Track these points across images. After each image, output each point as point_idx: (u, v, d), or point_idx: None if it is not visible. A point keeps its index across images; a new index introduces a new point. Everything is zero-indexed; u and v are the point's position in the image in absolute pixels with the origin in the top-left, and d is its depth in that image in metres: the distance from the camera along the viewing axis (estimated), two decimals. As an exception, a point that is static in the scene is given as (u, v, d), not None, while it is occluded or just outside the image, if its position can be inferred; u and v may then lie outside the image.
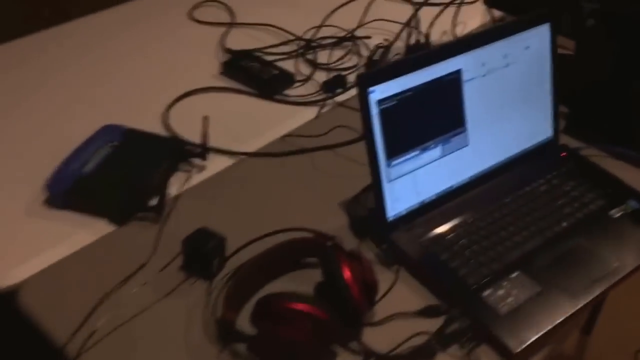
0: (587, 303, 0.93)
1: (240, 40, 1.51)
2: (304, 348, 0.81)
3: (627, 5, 1.10)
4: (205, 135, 1.13)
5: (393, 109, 0.97)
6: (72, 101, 1.32)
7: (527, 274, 0.96)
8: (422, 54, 1.01)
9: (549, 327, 0.89)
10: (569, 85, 1.19)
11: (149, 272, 0.96)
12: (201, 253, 0.93)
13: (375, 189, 0.99)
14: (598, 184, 1.11)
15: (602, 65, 1.19)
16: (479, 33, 1.05)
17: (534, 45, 1.10)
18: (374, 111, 0.95)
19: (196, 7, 1.66)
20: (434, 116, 1.01)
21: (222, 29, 1.56)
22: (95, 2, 1.65)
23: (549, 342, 0.90)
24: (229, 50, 1.46)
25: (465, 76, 1.03)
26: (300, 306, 0.80)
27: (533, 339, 0.87)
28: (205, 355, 0.86)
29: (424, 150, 1.02)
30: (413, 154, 1.01)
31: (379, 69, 0.96)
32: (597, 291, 0.94)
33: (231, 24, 1.58)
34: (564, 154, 1.18)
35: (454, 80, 1.02)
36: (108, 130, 1.15)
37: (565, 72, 1.15)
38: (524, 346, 0.86)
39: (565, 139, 1.22)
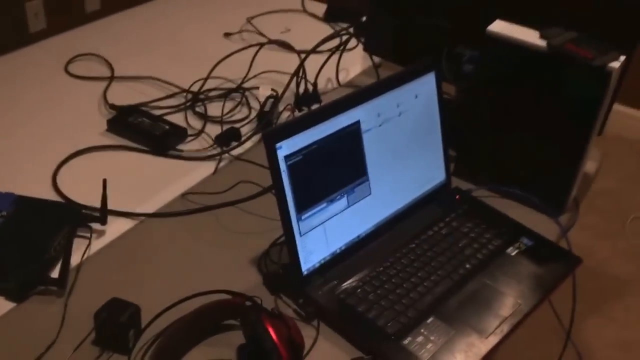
0: (499, 342, 0.97)
1: (122, 95, 1.47)
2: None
3: (500, 52, 1.18)
4: (104, 198, 1.08)
5: (300, 163, 0.98)
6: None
7: (440, 318, 0.99)
8: (323, 107, 1.03)
9: (468, 370, 0.92)
10: (454, 128, 1.25)
11: (58, 351, 0.91)
12: (116, 326, 0.89)
13: (288, 244, 1.00)
14: (492, 224, 1.17)
15: (481, 108, 1.26)
16: (372, 85, 1.09)
17: (423, 93, 1.15)
18: (283, 167, 0.96)
19: (71, 61, 1.60)
20: (338, 168, 1.04)
21: (103, 83, 1.52)
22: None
23: (469, 384, 0.93)
24: (113, 106, 1.43)
25: (363, 127, 1.06)
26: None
27: (456, 382, 0.90)
28: None
29: (331, 202, 1.04)
30: (321, 206, 1.02)
31: (284, 124, 0.97)
32: (506, 329, 0.99)
33: (111, 78, 1.54)
34: (458, 197, 1.24)
35: (354, 131, 1.05)
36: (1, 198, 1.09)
37: (449, 116, 1.21)
38: (448, 391, 0.89)
39: (455, 181, 1.27)
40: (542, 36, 1.14)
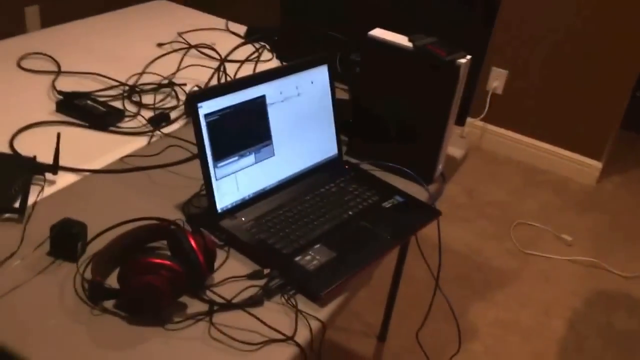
0: (369, 263, 1.25)
1: (69, 86, 1.72)
2: (162, 295, 1.04)
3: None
4: (57, 150, 1.33)
5: (217, 121, 1.25)
6: None
7: (326, 245, 1.27)
8: (236, 80, 1.31)
9: (344, 278, 1.20)
10: (346, 118, 1.56)
11: (18, 258, 1.14)
12: (67, 237, 1.13)
13: (206, 186, 1.26)
14: (373, 186, 1.47)
15: (366, 100, 1.56)
16: (276, 68, 1.38)
17: (317, 80, 1.45)
18: (203, 122, 1.23)
19: (23, 57, 1.84)
20: (247, 130, 1.31)
21: (51, 76, 1.76)
22: None
23: (344, 290, 1.21)
24: (60, 92, 1.67)
25: (268, 100, 1.35)
26: (159, 260, 1.04)
27: (334, 285, 1.17)
28: (80, 315, 1.06)
29: (241, 156, 1.31)
30: (233, 159, 1.30)
31: (205, 89, 1.24)
32: (376, 255, 1.27)
33: (59, 72, 1.78)
34: (347, 167, 1.53)
35: (260, 103, 1.33)
36: (-35, 151, 1.32)
37: (343, 109, 1.51)
38: (327, 290, 1.16)
39: (348, 159, 1.57)
40: (409, 40, 1.46)
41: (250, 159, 1.33)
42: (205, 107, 1.24)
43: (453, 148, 1.71)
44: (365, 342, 2.32)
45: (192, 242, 1.11)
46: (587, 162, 3.46)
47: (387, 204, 1.42)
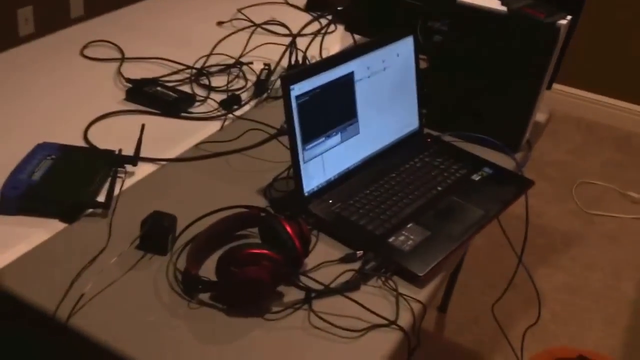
0: (466, 240, 1.20)
1: (134, 73, 1.69)
2: (263, 286, 1.00)
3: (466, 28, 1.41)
4: (139, 141, 1.30)
5: (307, 103, 1.20)
6: (2, 127, 1.44)
7: (419, 224, 1.22)
8: (326, 59, 1.26)
9: (442, 257, 1.15)
10: (425, 91, 1.49)
11: (108, 254, 1.12)
12: (159, 231, 1.10)
13: (294, 169, 1.22)
14: (459, 159, 1.41)
15: (449, 70, 1.49)
16: (364, 43, 1.32)
17: (403, 53, 1.39)
18: (294, 104, 1.18)
19: (86, 47, 1.81)
20: (335, 109, 1.26)
21: (115, 64, 1.73)
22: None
23: (442, 269, 1.16)
24: (129, 80, 1.64)
25: (356, 77, 1.29)
26: (260, 250, 1.00)
27: (433, 264, 1.12)
28: (177, 309, 1.03)
29: (328, 137, 1.26)
30: (321, 140, 1.25)
31: (296, 71, 1.19)
32: (472, 231, 1.22)
33: (123, 59, 1.75)
34: (429, 140, 1.47)
35: (348, 80, 1.28)
36: (44, 147, 1.30)
37: (422, 81, 1.44)
38: (427, 270, 1.11)
39: (428, 132, 1.51)
40: (502, 3, 1.38)
41: (336, 138, 1.28)
42: (297, 89, 1.19)
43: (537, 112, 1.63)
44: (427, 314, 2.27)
45: (289, 229, 1.07)
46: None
47: (476, 177, 1.36)
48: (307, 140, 1.22)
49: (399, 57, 1.37)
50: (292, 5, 2.13)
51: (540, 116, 1.62)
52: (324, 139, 1.25)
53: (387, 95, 1.37)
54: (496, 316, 2.19)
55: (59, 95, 1.58)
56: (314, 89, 1.21)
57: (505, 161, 1.44)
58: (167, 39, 1.88)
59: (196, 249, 1.08)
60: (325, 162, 1.27)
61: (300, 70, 1.20)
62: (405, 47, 1.39)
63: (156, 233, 1.11)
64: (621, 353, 2.16)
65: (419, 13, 1.55)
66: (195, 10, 2.07)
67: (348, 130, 1.30)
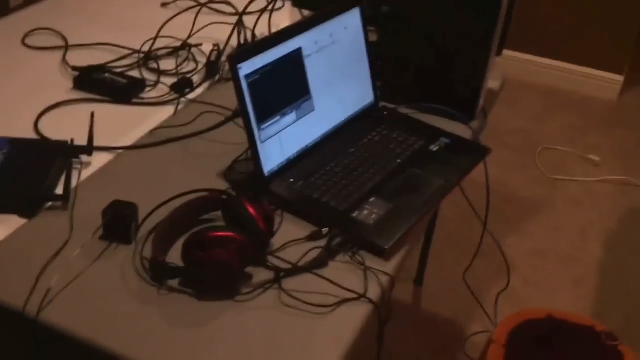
0: (428, 210, 1.21)
1: (81, 60, 1.65)
2: (231, 269, 1.00)
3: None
4: (91, 130, 1.27)
5: (257, 81, 1.20)
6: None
7: (381, 198, 1.23)
8: (272, 35, 1.25)
9: (406, 228, 1.16)
10: (379, 62, 1.49)
11: (72, 248, 1.10)
12: (120, 220, 1.09)
13: (252, 150, 1.21)
14: (416, 131, 1.42)
15: (399, 41, 1.50)
16: (310, 17, 1.31)
17: (351, 25, 1.39)
18: (244, 84, 1.17)
19: (27, 35, 1.76)
20: (287, 86, 1.26)
21: (60, 52, 1.69)
22: None
23: (407, 241, 1.17)
24: (75, 68, 1.60)
25: (305, 52, 1.29)
26: (225, 233, 1.00)
27: (398, 237, 1.14)
28: (147, 297, 1.02)
29: (283, 115, 1.26)
30: (276, 119, 1.24)
31: (244, 49, 1.18)
32: (434, 202, 1.23)
33: (67, 46, 1.71)
34: (386, 113, 1.48)
35: (297, 57, 1.27)
36: (-5, 141, 1.27)
37: (374, 54, 1.45)
38: (392, 242, 1.12)
39: (385, 104, 1.52)
40: (443, -29, 1.39)
41: (292, 116, 1.28)
42: (245, 68, 1.18)
43: (490, 80, 1.65)
44: (402, 287, 2.30)
45: (251, 210, 1.07)
46: (608, 77, 3.39)
47: (434, 147, 1.38)
48: (261, 119, 1.21)
49: (347, 30, 1.37)
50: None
51: (493, 83, 1.64)
52: (279, 117, 1.25)
53: (339, 69, 1.37)
54: (470, 284, 2.23)
55: (4, 88, 1.54)
56: (263, 67, 1.20)
57: (462, 130, 1.46)
58: (111, 23, 1.84)
59: (161, 235, 1.08)
60: (283, 141, 1.26)
61: (247, 49, 1.19)
62: (352, 20, 1.38)
63: (118, 222, 1.10)
64: (591, 312, 2.22)
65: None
66: (138, -7, 2.03)
67: (303, 107, 1.30)
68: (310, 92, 1.31)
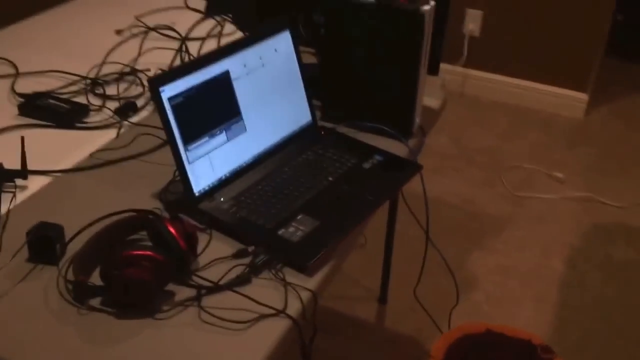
0: (354, 226, 1.24)
1: (29, 87, 1.67)
2: (148, 286, 1.02)
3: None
4: (23, 154, 1.29)
5: (182, 104, 1.22)
6: None
7: (309, 215, 1.25)
8: (196, 59, 1.28)
9: (329, 245, 1.18)
10: (318, 83, 1.53)
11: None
12: (44, 240, 1.11)
13: (179, 171, 1.23)
14: (351, 149, 1.44)
15: (335, 62, 1.53)
16: (236, 41, 1.34)
17: (281, 48, 1.42)
18: (167, 106, 1.20)
19: (-23, 65, 1.79)
20: (215, 108, 1.28)
21: (10, 80, 1.72)
22: None
23: (332, 257, 1.19)
24: (21, 95, 1.63)
25: (233, 75, 1.31)
26: (140, 251, 1.02)
27: (319, 253, 1.15)
28: (67, 317, 1.04)
29: (212, 136, 1.28)
30: (204, 139, 1.27)
31: (166, 72, 1.21)
32: (360, 218, 1.25)
33: (17, 74, 1.74)
34: (323, 132, 1.50)
35: (225, 79, 1.30)
36: None
37: (314, 75, 1.47)
38: (314, 259, 1.14)
39: (323, 124, 1.54)
40: (371, -6, 1.42)
41: (221, 137, 1.30)
42: (168, 90, 1.20)
43: (429, 98, 1.68)
44: (366, 306, 2.31)
45: (171, 229, 1.09)
46: (573, 95, 3.43)
47: (367, 165, 1.40)
48: (188, 140, 1.23)
49: (278, 52, 1.40)
50: (192, 9, 2.14)
51: (432, 102, 1.67)
52: (207, 138, 1.27)
53: (271, 91, 1.39)
54: (430, 301, 2.24)
55: (-51, 115, 1.56)
56: (188, 90, 1.23)
57: (400, 149, 1.48)
58: (64, 50, 1.87)
59: (82, 255, 1.09)
60: (214, 161, 1.29)
61: (169, 71, 1.21)
62: (282, 42, 1.41)
63: (43, 243, 1.11)
64: (551, 327, 2.23)
65: (301, 7, 1.59)
66: (95, 20, 2.07)
67: (233, 128, 1.32)
68: (240, 113, 1.34)
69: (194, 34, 1.91)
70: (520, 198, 2.84)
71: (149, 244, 1.12)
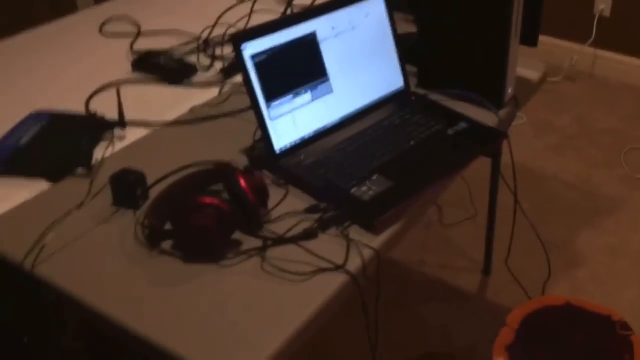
0: (426, 188, 1.22)
1: (148, 45, 1.77)
2: (210, 233, 1.07)
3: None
4: (120, 105, 1.38)
5: (264, 62, 1.25)
6: (11, 99, 1.55)
7: (384, 175, 1.25)
8: (281, 18, 1.30)
9: (399, 204, 1.18)
10: (415, 50, 1.51)
11: (85, 209, 1.21)
12: (126, 185, 1.18)
13: (261, 127, 1.27)
14: (438, 115, 1.42)
15: (434, 30, 1.50)
16: (326, 3, 1.35)
17: (373, 13, 1.41)
18: (249, 63, 1.23)
19: (105, 23, 1.92)
20: (300, 68, 1.31)
21: (131, 39, 1.83)
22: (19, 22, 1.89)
23: (400, 217, 1.19)
24: (136, 52, 1.73)
25: (319, 36, 1.33)
26: (207, 199, 1.07)
27: (387, 212, 1.16)
28: (138, 258, 1.11)
29: (296, 94, 1.31)
30: (287, 97, 1.30)
31: (248, 29, 1.24)
32: (433, 180, 1.24)
33: (138, 34, 1.85)
34: (414, 98, 1.49)
35: (311, 40, 1.32)
36: (37, 115, 1.41)
37: (411, 41, 1.46)
38: (381, 217, 1.15)
39: (417, 91, 1.53)
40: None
41: (306, 96, 1.32)
42: (250, 48, 1.24)
43: (527, 70, 1.62)
44: (470, 277, 2.28)
45: (241, 181, 1.13)
46: None
47: (451, 131, 1.38)
48: (271, 97, 1.27)
49: (369, 17, 1.40)
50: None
51: (531, 74, 1.61)
52: (291, 96, 1.30)
53: (360, 55, 1.40)
54: (527, 275, 2.19)
55: (75, 71, 1.69)
56: (272, 48, 1.26)
57: (494, 118, 1.44)
58: (185, 12, 1.97)
59: (159, 201, 1.16)
60: (297, 120, 1.31)
61: (252, 29, 1.24)
62: (374, 7, 1.41)
63: (123, 188, 1.19)
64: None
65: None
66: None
67: (319, 88, 1.34)
68: (327, 74, 1.35)
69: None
70: (639, 180, 2.68)
71: (224, 195, 1.17)
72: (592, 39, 3.36)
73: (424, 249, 2.39)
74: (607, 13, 3.30)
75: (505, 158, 2.09)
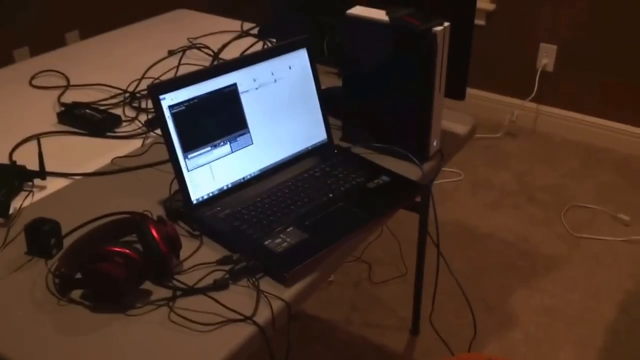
0: (340, 241, 1.24)
1: (75, 98, 1.78)
2: (116, 281, 1.06)
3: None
4: (40, 156, 1.38)
5: (183, 113, 1.27)
6: None
7: (299, 228, 1.26)
8: (201, 70, 1.32)
9: (311, 257, 1.19)
10: (339, 105, 1.55)
11: (0, 257, 1.19)
12: (39, 234, 1.17)
13: (178, 178, 1.28)
14: (360, 168, 1.45)
15: (356, 84, 1.54)
16: (247, 55, 1.38)
17: (296, 65, 1.45)
18: (167, 114, 1.25)
19: (35, 76, 1.92)
20: (219, 119, 1.32)
21: (59, 91, 1.83)
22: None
23: (314, 270, 1.20)
24: (63, 104, 1.73)
25: (240, 88, 1.35)
26: (115, 248, 1.06)
27: (299, 265, 1.16)
28: (46, 306, 1.09)
29: (215, 146, 1.32)
30: (206, 149, 1.31)
31: (167, 80, 1.26)
32: (347, 233, 1.25)
33: (67, 86, 1.85)
34: (337, 151, 1.52)
35: (232, 92, 1.34)
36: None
37: (336, 96, 1.49)
38: (292, 270, 1.15)
39: (340, 144, 1.56)
40: (387, 13, 1.43)
41: (225, 148, 1.34)
42: (169, 99, 1.25)
43: (455, 124, 1.66)
44: (398, 336, 2.28)
45: (153, 230, 1.13)
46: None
47: (371, 184, 1.40)
48: (188, 148, 1.28)
49: (292, 69, 1.43)
50: (247, 33, 2.21)
51: (459, 127, 1.66)
52: (209, 148, 1.31)
53: (282, 107, 1.42)
54: (456, 334, 2.19)
55: (2, 121, 1.68)
56: (191, 99, 1.27)
57: (416, 172, 1.47)
58: (114, 66, 1.98)
59: (70, 250, 1.15)
60: (215, 172, 1.32)
61: (171, 80, 1.26)
62: (298, 60, 1.44)
63: (37, 237, 1.18)
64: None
65: (326, 28, 1.61)
66: (151, 40, 2.17)
67: (239, 140, 1.36)
68: (247, 126, 1.37)
69: (233, 54, 1.97)
70: (578, 239, 2.73)
71: (137, 245, 1.16)
72: (533, 94, 3.44)
73: (352, 308, 2.37)
74: (550, 68, 3.39)
75: (441, 215, 2.11)
